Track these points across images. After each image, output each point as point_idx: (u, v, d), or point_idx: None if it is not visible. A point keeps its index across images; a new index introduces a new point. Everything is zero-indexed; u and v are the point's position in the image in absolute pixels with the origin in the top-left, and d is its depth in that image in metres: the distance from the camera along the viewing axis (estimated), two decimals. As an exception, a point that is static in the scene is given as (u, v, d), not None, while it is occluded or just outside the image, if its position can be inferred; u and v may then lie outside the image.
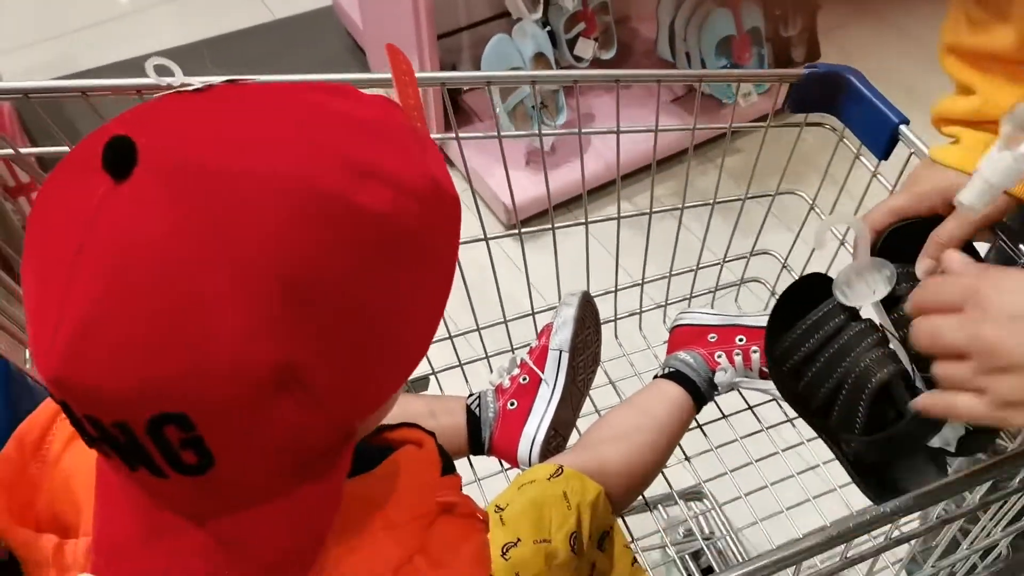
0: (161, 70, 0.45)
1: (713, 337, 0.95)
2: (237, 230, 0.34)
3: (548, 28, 1.70)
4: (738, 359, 0.93)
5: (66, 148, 0.71)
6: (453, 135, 0.82)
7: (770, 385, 0.92)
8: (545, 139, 1.66)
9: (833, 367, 0.69)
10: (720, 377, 0.91)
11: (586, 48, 1.74)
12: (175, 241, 0.33)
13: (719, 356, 0.93)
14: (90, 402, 0.35)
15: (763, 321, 0.95)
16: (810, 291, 0.72)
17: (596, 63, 1.80)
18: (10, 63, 1.96)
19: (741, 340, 0.94)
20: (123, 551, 0.40)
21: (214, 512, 0.38)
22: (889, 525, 0.59)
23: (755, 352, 0.92)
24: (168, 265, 0.33)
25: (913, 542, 0.70)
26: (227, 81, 0.40)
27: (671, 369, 0.92)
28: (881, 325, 0.69)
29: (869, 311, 0.70)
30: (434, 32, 1.60)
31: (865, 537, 0.58)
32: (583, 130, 0.83)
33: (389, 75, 0.68)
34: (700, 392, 0.90)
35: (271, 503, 0.38)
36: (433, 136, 0.82)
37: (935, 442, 0.66)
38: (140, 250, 0.33)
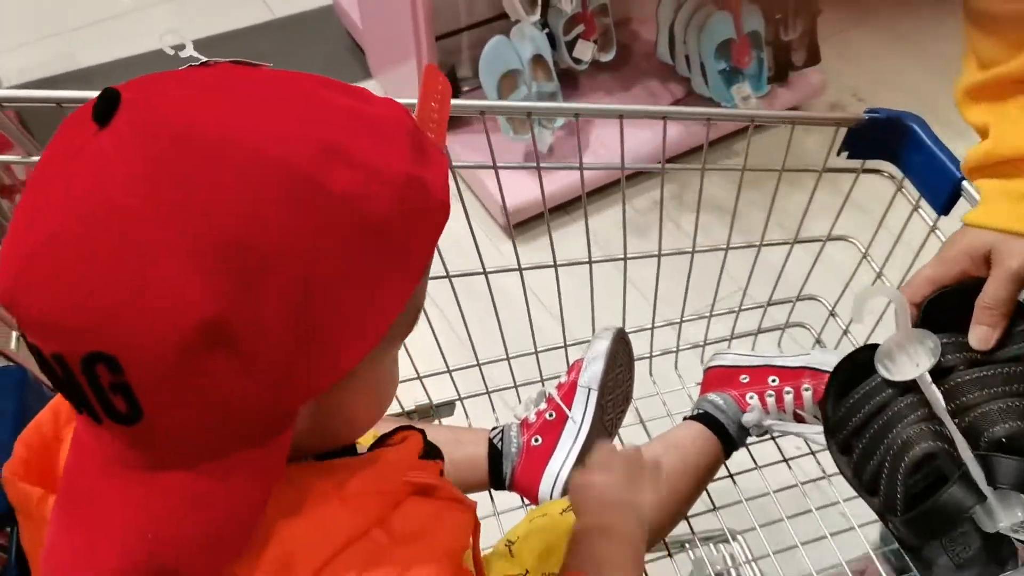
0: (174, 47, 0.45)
1: (745, 378, 0.92)
2: (195, 190, 0.35)
3: (547, 30, 1.68)
4: (770, 400, 0.89)
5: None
6: (491, 164, 0.79)
7: (804, 428, 0.89)
8: (543, 141, 1.64)
9: (878, 442, 0.66)
10: (748, 417, 0.88)
11: (585, 50, 1.71)
12: (133, 190, 0.35)
13: (751, 397, 0.90)
14: (33, 329, 0.37)
15: (797, 362, 0.92)
16: (866, 359, 0.69)
17: (595, 65, 1.77)
18: (8, 62, 1.96)
19: (774, 381, 0.91)
20: (79, 493, 0.41)
21: (148, 466, 0.39)
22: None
23: (788, 393, 0.89)
24: (121, 210, 0.34)
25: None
26: (235, 62, 0.41)
27: (700, 411, 0.89)
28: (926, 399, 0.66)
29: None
30: (432, 33, 1.59)
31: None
32: (626, 165, 0.79)
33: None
34: (729, 436, 0.87)
35: (203, 467, 0.39)
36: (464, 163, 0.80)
37: (1004, 525, 0.61)
38: (99, 192, 0.35)
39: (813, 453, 0.89)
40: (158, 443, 0.38)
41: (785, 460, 0.91)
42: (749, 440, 0.89)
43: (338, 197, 0.37)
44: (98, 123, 0.36)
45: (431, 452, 0.52)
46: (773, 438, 0.91)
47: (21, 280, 0.36)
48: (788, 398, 0.89)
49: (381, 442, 0.51)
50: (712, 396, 0.90)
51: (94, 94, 0.66)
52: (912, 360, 0.65)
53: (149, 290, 0.34)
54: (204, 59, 0.41)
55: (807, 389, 0.88)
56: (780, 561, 0.83)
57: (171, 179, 0.35)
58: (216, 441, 0.38)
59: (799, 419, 0.89)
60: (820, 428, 0.87)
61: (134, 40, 2.02)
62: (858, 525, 0.84)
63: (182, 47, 0.42)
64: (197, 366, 0.35)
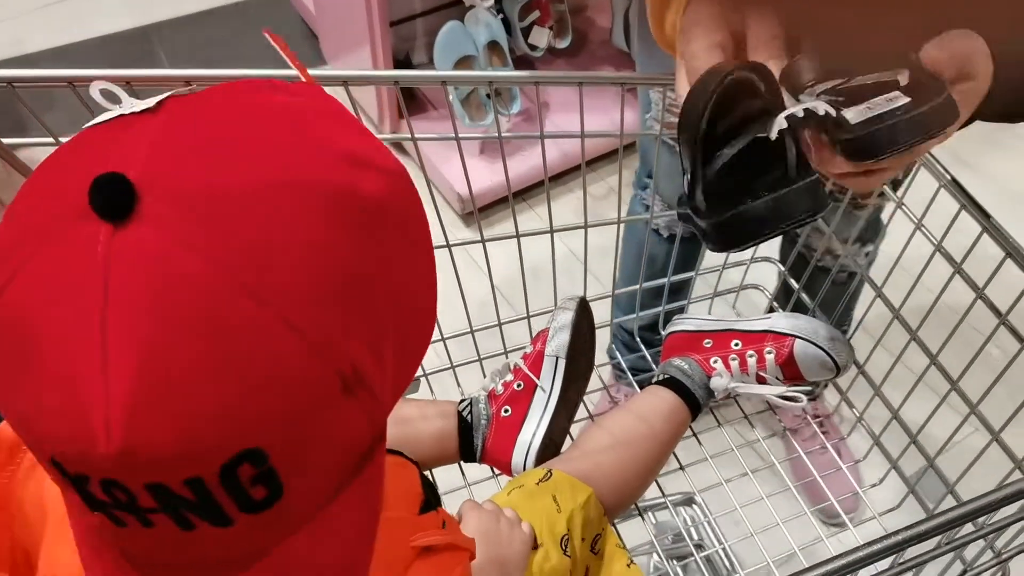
0: (106, 94, 0.37)
1: (708, 343, 0.94)
2: (273, 247, 0.32)
3: (502, 16, 1.68)
4: (734, 364, 0.92)
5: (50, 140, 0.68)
6: (454, 135, 0.80)
7: (767, 390, 0.91)
8: (501, 127, 1.64)
9: None
10: (716, 383, 0.90)
11: (540, 36, 1.73)
12: (212, 271, 0.30)
13: (715, 362, 0.92)
14: (158, 470, 0.31)
15: (759, 325, 0.94)
16: None
17: (551, 52, 1.79)
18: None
19: (736, 345, 0.93)
20: None
21: (257, 553, 0.35)
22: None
23: (751, 357, 0.91)
24: (212, 297, 0.30)
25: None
26: (169, 95, 0.36)
27: (666, 376, 0.91)
28: None
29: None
30: (387, 19, 1.58)
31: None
32: (586, 134, 0.81)
33: (339, 72, 0.66)
34: (695, 399, 0.89)
35: (314, 520, 0.36)
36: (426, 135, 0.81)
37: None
38: (177, 290, 0.30)
39: (773, 410, 0.91)
40: (283, 514, 0.34)
41: (745, 416, 0.94)
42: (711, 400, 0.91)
43: (378, 202, 0.35)
44: (111, 218, 0.30)
45: (429, 500, 0.50)
46: (735, 398, 0.93)
47: (137, 430, 0.30)
48: (751, 361, 0.91)
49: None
50: (677, 361, 0.92)
51: (49, 73, 0.65)
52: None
53: (277, 367, 0.31)
54: (146, 104, 0.35)
55: (769, 352, 0.90)
56: (747, 514, 0.86)
57: (247, 249, 0.31)
58: (332, 485, 0.36)
59: (761, 380, 0.91)
60: (782, 389, 0.90)
61: (87, 24, 1.98)
62: (819, 475, 0.87)
63: (118, 100, 0.36)
64: (336, 415, 0.34)
